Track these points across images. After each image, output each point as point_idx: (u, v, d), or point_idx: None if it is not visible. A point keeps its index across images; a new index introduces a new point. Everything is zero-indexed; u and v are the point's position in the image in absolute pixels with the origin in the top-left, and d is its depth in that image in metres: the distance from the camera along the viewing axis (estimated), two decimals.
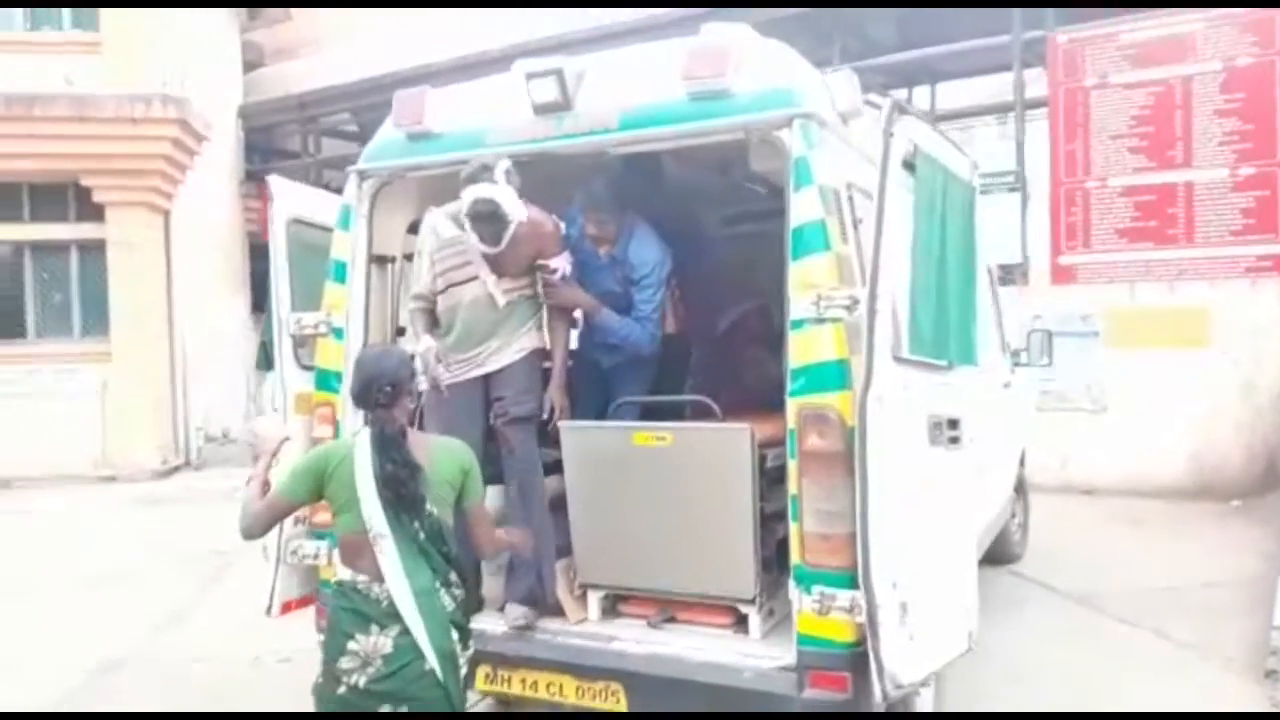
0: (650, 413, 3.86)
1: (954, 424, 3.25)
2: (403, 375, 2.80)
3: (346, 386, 3.14)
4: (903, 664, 2.83)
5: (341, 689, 2.59)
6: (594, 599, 3.64)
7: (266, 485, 2.82)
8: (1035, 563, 7.20)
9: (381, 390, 2.72)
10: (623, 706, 3.24)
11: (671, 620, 3.50)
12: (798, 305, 2.98)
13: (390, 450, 2.65)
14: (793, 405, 2.98)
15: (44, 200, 12.47)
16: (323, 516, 3.44)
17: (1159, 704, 4.49)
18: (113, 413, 12.00)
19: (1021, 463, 7.48)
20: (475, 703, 3.71)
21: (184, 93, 12.17)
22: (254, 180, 15.42)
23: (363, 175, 3.86)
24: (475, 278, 3.59)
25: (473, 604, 2.89)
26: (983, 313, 5.59)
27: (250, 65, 17.32)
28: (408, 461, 2.65)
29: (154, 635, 5.86)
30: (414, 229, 4.18)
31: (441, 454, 2.79)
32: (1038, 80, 10.83)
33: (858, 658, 2.85)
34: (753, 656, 3.17)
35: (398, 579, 2.62)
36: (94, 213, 12.26)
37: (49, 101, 11.50)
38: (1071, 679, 4.89)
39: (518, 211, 3.44)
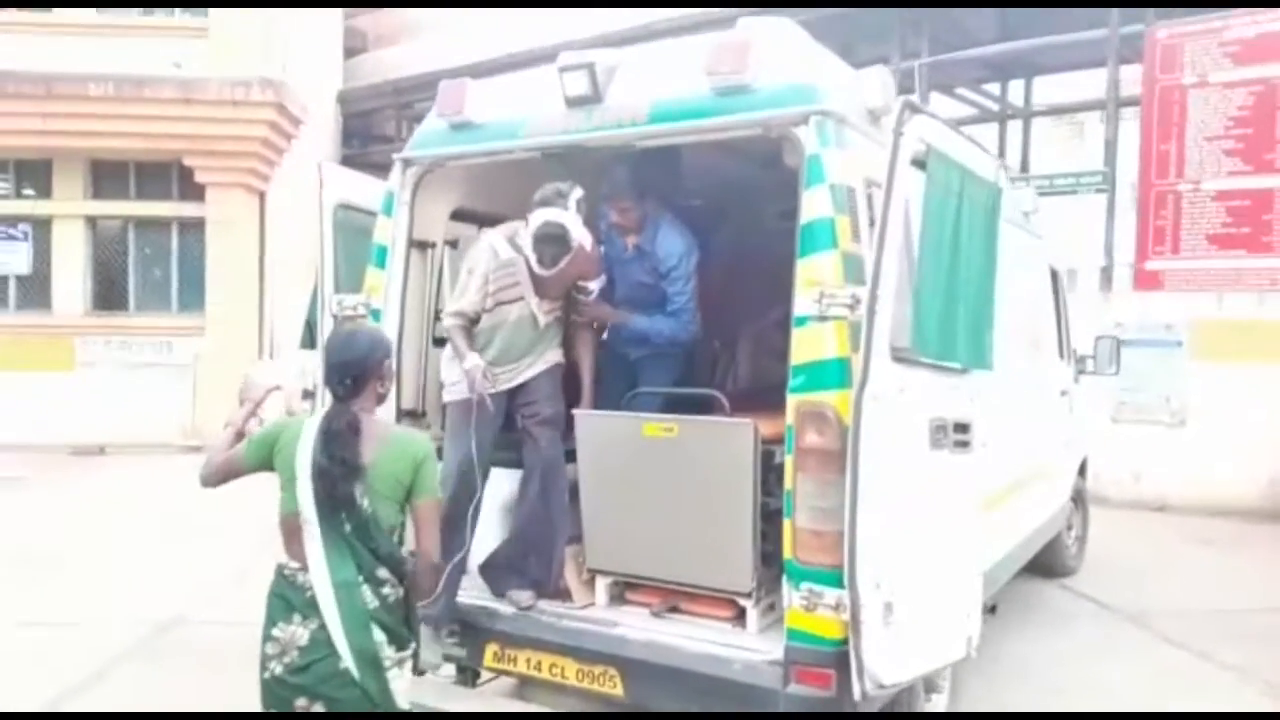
0: (676, 404, 3.92)
1: (962, 428, 3.23)
2: (370, 363, 2.69)
3: None
4: (886, 664, 2.83)
5: (266, 674, 2.56)
6: (602, 585, 3.72)
7: (241, 435, 2.82)
8: (1091, 577, 7.03)
9: (342, 382, 2.65)
10: (619, 691, 3.32)
11: (675, 610, 3.55)
12: (801, 302, 3.00)
13: (332, 446, 2.55)
14: (792, 402, 3.00)
15: (149, 178, 13.15)
16: None
17: None
18: (203, 385, 12.57)
19: (1081, 473, 7.27)
20: (486, 680, 3.83)
21: (283, 77, 12.66)
22: (351, 164, 15.95)
23: (406, 163, 3.99)
24: (521, 298, 3.71)
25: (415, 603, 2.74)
26: (1030, 316, 5.49)
27: (353, 51, 17.90)
28: (345, 460, 2.54)
29: (215, 594, 6.16)
30: (456, 216, 4.32)
31: (395, 447, 2.66)
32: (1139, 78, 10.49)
33: (843, 655, 2.85)
34: (745, 649, 3.20)
35: (319, 569, 2.53)
36: (195, 192, 12.87)
37: (157, 84, 12.09)
38: (1103, 694, 4.80)
39: (583, 239, 3.62)
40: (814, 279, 2.98)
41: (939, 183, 2.98)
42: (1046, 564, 6.89)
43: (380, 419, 2.78)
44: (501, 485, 3.82)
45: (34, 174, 13.09)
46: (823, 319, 2.96)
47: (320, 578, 2.53)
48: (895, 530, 2.88)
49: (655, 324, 4.06)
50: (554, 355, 3.85)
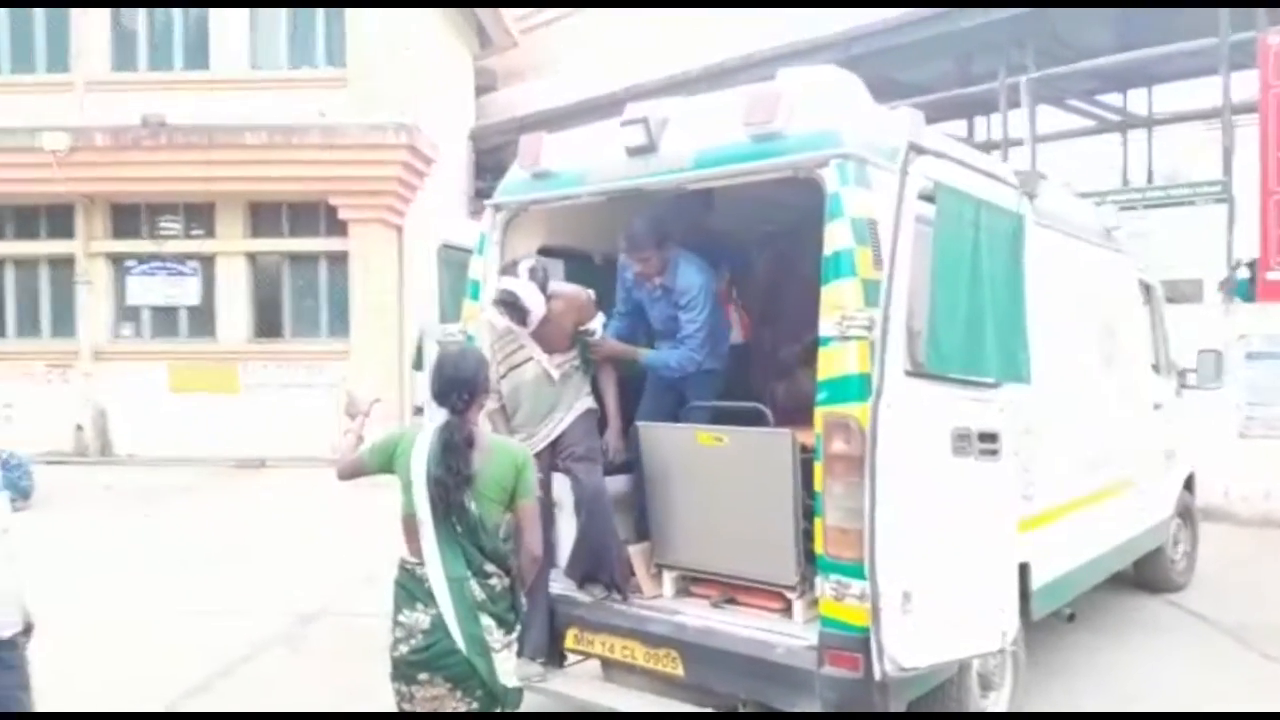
0: (732, 415, 4.29)
1: (989, 437, 3.50)
2: (479, 381, 3.06)
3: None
4: (904, 649, 3.13)
5: (395, 653, 2.95)
6: (668, 578, 4.14)
7: (360, 439, 3.34)
8: (1200, 593, 6.96)
9: (460, 397, 2.98)
10: (680, 670, 3.73)
11: (732, 601, 3.94)
12: (825, 324, 3.35)
13: (449, 458, 2.89)
14: (819, 414, 3.35)
15: (299, 217, 14.36)
16: None
17: None
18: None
19: (1189, 488, 7.19)
20: (572, 663, 4.29)
21: (415, 121, 13.65)
22: (482, 198, 16.90)
23: (496, 208, 4.54)
24: (530, 358, 4.14)
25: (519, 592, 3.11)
26: (1106, 330, 5.59)
27: (483, 90, 18.96)
28: (459, 470, 2.89)
29: (354, 591, 6.83)
30: (542, 252, 4.82)
31: (498, 455, 3.02)
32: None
33: (869, 641, 3.16)
34: (788, 636, 3.56)
35: (434, 564, 2.90)
36: (340, 228, 13.98)
37: (304, 132, 13.26)
38: (1177, 703, 4.86)
39: (535, 305, 4.03)
40: (836, 303, 3.33)
41: (949, 214, 3.29)
42: (1150, 579, 6.89)
43: (483, 430, 3.18)
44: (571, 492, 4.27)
45: (200, 216, 14.48)
46: (844, 339, 3.30)
47: (435, 573, 2.91)
48: (915, 527, 3.19)
49: (663, 357, 4.40)
50: (584, 404, 4.21)
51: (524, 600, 3.19)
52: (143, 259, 14.54)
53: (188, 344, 14.49)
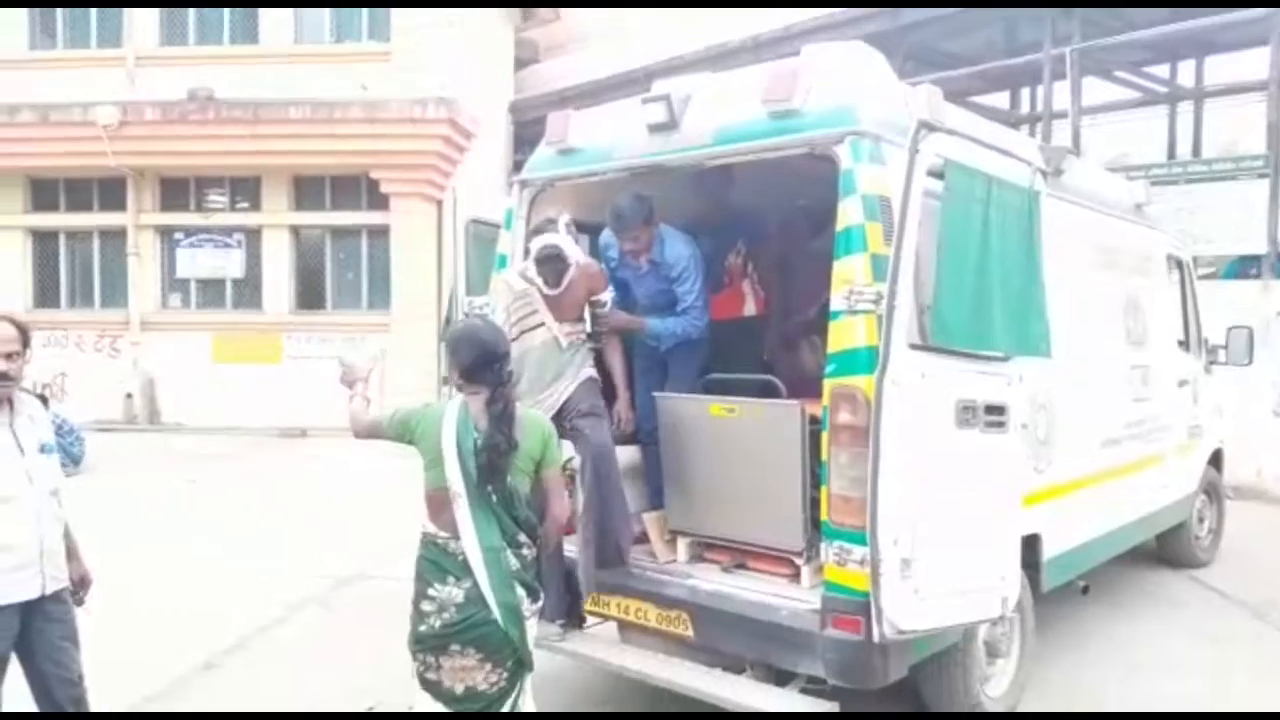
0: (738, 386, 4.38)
1: (996, 410, 3.57)
2: (509, 353, 3.16)
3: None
4: (904, 613, 3.23)
5: (423, 627, 2.95)
6: (682, 544, 4.27)
7: (368, 400, 3.45)
8: (1223, 570, 6.97)
9: (504, 370, 3.03)
10: (690, 632, 3.87)
11: (742, 567, 4.07)
12: (835, 299, 3.44)
13: (504, 426, 2.93)
14: (827, 385, 3.44)
15: (342, 191, 14.63)
16: None
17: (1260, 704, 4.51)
18: (389, 376, 13.86)
19: (1216, 465, 7.17)
20: (591, 625, 4.44)
21: (456, 94, 13.80)
22: (521, 169, 17.02)
23: (523, 184, 4.68)
24: (542, 324, 4.21)
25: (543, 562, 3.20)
26: (1129, 306, 5.59)
27: (525, 62, 19.04)
28: (509, 437, 2.93)
29: (389, 555, 7.00)
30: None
31: (528, 426, 3.07)
32: None
33: (870, 605, 3.27)
34: (794, 600, 3.67)
35: (469, 536, 2.91)
36: (380, 202, 14.22)
37: (346, 106, 13.48)
38: (1184, 674, 4.94)
39: (576, 255, 4.14)
40: (846, 278, 3.41)
41: (958, 191, 3.36)
42: (1173, 554, 6.92)
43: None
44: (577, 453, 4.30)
45: (245, 189, 14.82)
46: (853, 313, 3.39)
47: (471, 544, 2.92)
48: (916, 496, 3.27)
49: (668, 325, 4.46)
50: (586, 372, 4.25)
51: (545, 572, 3.31)
52: (190, 231, 14.92)
53: (233, 315, 14.86)
